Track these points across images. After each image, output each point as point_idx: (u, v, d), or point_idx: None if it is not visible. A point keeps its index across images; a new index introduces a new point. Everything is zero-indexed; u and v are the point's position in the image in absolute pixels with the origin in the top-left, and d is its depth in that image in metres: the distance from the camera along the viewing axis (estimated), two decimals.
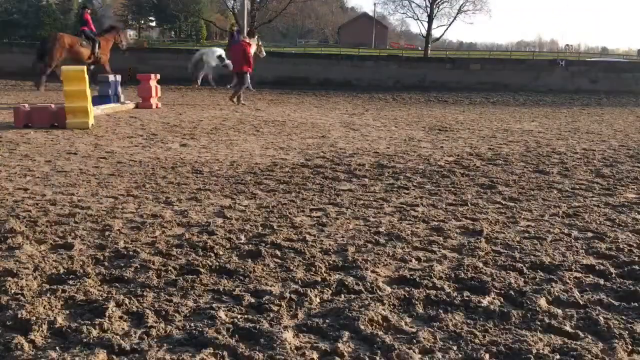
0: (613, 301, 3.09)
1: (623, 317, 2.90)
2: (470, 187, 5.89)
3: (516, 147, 8.77)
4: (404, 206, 5.06)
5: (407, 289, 3.20)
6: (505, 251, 3.89)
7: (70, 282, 3.20)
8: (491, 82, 22.47)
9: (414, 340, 2.61)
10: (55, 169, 6.38)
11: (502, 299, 3.10)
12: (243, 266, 3.49)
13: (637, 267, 3.58)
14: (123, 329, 2.70)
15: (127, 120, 11.07)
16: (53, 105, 10.08)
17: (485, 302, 3.04)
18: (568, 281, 3.36)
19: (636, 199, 5.52)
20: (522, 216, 4.80)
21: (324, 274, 3.40)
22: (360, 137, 9.53)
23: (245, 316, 2.85)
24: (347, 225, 4.42)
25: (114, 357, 2.46)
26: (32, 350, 2.49)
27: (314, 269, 3.48)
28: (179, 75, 21.86)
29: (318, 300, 3.05)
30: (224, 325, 2.72)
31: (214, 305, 2.94)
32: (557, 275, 3.44)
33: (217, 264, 3.52)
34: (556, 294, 3.16)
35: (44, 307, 2.87)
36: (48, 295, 3.02)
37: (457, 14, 55.20)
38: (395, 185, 5.90)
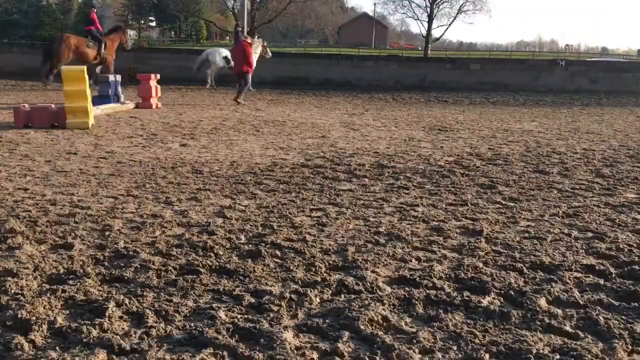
0: (613, 301, 3.10)
1: (623, 317, 2.91)
2: (470, 187, 5.89)
3: (516, 147, 8.77)
4: (404, 206, 5.06)
5: (407, 289, 3.20)
6: (505, 251, 3.89)
7: (70, 282, 3.20)
8: (491, 82, 22.47)
9: (414, 340, 2.62)
10: (55, 169, 6.38)
11: (502, 299, 3.10)
12: (243, 266, 3.49)
13: (637, 267, 3.58)
14: (123, 329, 2.70)
15: (127, 120, 11.07)
16: (53, 105, 10.08)
17: (485, 302, 3.04)
18: (568, 281, 3.36)
19: (636, 199, 5.52)
20: (522, 216, 4.80)
21: (324, 274, 3.40)
22: (360, 137, 9.53)
23: (245, 316, 2.85)
24: (347, 225, 4.42)
25: (114, 357, 2.46)
26: (32, 350, 2.49)
27: (314, 269, 3.48)
28: (179, 75, 21.87)
29: (318, 300, 3.05)
30: (224, 325, 2.72)
31: (214, 305, 2.94)
32: (557, 275, 3.45)
33: (217, 264, 3.52)
34: (556, 294, 3.16)
35: (44, 307, 2.87)
36: (48, 295, 3.02)
37: (457, 14, 55.21)
38: (395, 185, 5.90)
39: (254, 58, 18.37)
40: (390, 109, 14.92)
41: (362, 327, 2.73)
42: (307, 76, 23.03)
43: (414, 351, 2.53)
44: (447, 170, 6.75)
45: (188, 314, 2.85)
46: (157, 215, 4.60)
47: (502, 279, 3.36)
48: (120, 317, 2.80)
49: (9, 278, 3.22)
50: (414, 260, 3.69)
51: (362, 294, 3.14)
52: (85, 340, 2.56)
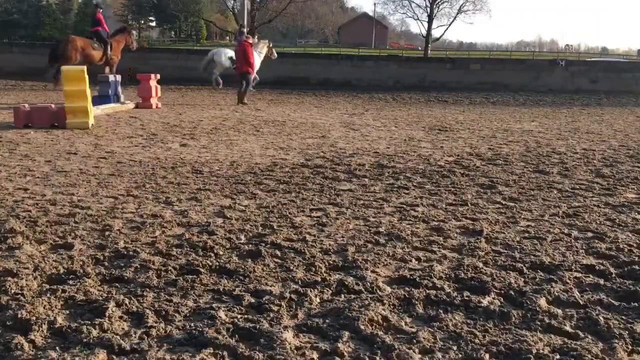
0: (613, 301, 3.10)
1: (623, 317, 2.91)
2: (470, 187, 5.89)
3: (516, 147, 8.77)
4: (404, 206, 5.06)
5: (407, 289, 3.20)
6: (505, 251, 3.89)
7: (70, 282, 3.20)
8: (491, 82, 22.47)
9: (414, 340, 2.62)
10: (55, 169, 6.38)
11: (502, 299, 3.10)
12: (243, 266, 3.49)
13: (637, 267, 3.58)
14: (123, 329, 2.70)
15: (127, 120, 11.07)
16: (53, 105, 10.09)
17: (485, 302, 3.04)
18: (568, 281, 3.36)
19: (636, 199, 5.52)
20: (522, 216, 4.80)
21: (324, 274, 3.40)
22: (360, 137, 9.53)
23: (245, 316, 2.85)
24: (347, 225, 4.42)
25: (114, 357, 2.46)
26: (32, 350, 2.49)
27: (314, 269, 3.48)
28: (179, 75, 21.90)
29: (318, 300, 3.05)
30: (224, 325, 2.72)
31: (214, 305, 2.94)
32: (557, 275, 3.45)
33: (217, 264, 3.52)
34: (556, 294, 3.16)
35: (44, 307, 2.87)
36: (48, 295, 3.02)
37: (457, 14, 55.21)
38: (395, 185, 5.90)
39: (259, 58, 18.39)
40: (390, 109, 14.92)
41: (362, 327, 2.73)
42: (307, 76, 23.03)
43: (414, 351, 2.53)
44: (447, 170, 6.75)
45: (188, 314, 2.85)
46: (157, 215, 4.60)
47: (502, 279, 3.36)
48: (120, 317, 2.80)
49: (9, 278, 3.22)
50: (414, 260, 3.69)
51: (362, 294, 3.14)
52: (85, 340, 2.56)
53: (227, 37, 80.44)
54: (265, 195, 5.37)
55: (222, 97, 16.71)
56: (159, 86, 13.67)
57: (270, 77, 21.71)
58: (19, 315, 2.75)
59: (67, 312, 2.86)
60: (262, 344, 2.58)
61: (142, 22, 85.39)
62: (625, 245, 4.03)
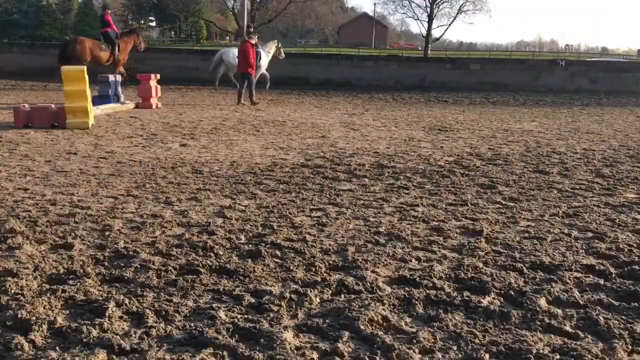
0: (613, 301, 3.09)
1: (623, 317, 2.91)
2: (470, 187, 5.89)
3: (516, 147, 8.77)
4: (404, 206, 5.06)
5: (407, 289, 3.20)
6: (505, 251, 3.89)
7: (70, 282, 3.20)
8: (491, 82, 22.47)
9: (414, 340, 2.61)
10: (55, 169, 6.38)
11: (502, 299, 3.10)
12: (243, 266, 3.49)
13: (637, 267, 3.58)
14: (123, 329, 2.70)
15: (127, 120, 11.07)
16: (53, 105, 10.09)
17: (485, 302, 3.04)
18: (568, 281, 3.36)
19: (636, 199, 5.52)
20: (522, 216, 4.80)
21: (324, 274, 3.40)
22: (360, 137, 9.53)
23: (245, 316, 2.85)
24: (347, 225, 4.42)
25: (114, 357, 2.46)
26: (32, 350, 2.49)
27: (314, 269, 3.48)
28: (179, 75, 21.91)
29: (318, 300, 3.05)
30: (224, 325, 2.72)
31: (214, 305, 2.94)
32: (557, 275, 3.45)
33: (217, 264, 3.52)
34: (556, 294, 3.16)
35: (44, 307, 2.87)
36: (48, 295, 3.02)
37: (457, 14, 55.22)
38: (395, 185, 5.90)
39: (267, 58, 18.41)
40: (390, 109, 14.92)
41: (362, 327, 2.73)
42: (307, 76, 23.03)
43: (414, 351, 2.53)
44: (447, 170, 6.75)
45: (188, 314, 2.85)
46: (157, 215, 4.60)
47: (502, 279, 3.36)
48: (120, 317, 2.80)
49: (9, 278, 3.22)
50: (414, 260, 3.69)
51: (362, 294, 3.14)
52: (85, 340, 2.56)
53: (227, 37, 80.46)
54: (265, 195, 5.37)
55: (222, 97, 16.71)
56: (159, 86, 13.67)
57: (271, 77, 21.72)
58: (19, 315, 2.75)
59: (67, 312, 2.86)
60: (262, 344, 2.58)
61: (142, 22, 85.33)
62: (625, 245, 4.03)
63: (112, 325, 2.70)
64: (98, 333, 2.62)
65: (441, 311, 2.93)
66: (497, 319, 2.86)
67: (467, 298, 3.07)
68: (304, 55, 28.78)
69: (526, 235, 4.27)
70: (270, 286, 3.20)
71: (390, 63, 24.17)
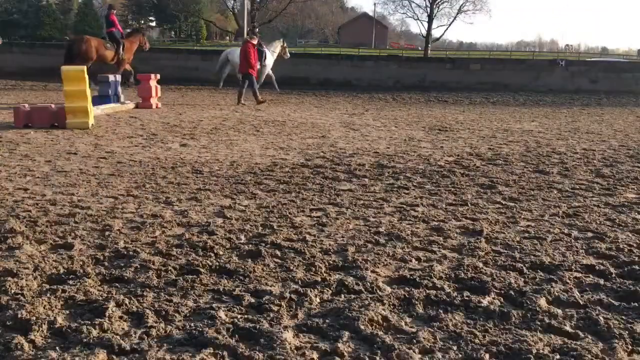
0: (613, 301, 3.09)
1: (623, 317, 2.91)
2: (470, 187, 5.89)
3: (516, 147, 8.77)
4: (404, 206, 5.06)
5: (407, 289, 3.20)
6: (505, 251, 3.89)
7: (70, 282, 3.20)
8: (491, 82, 22.47)
9: (414, 340, 2.62)
10: (55, 169, 6.38)
11: (502, 299, 3.10)
12: (243, 266, 3.49)
13: (637, 267, 3.58)
14: (123, 329, 2.70)
15: (127, 120, 11.07)
16: (53, 105, 10.09)
17: (485, 302, 3.04)
18: (568, 281, 3.36)
19: (636, 199, 5.52)
20: (522, 216, 4.80)
21: (324, 274, 3.40)
22: (360, 137, 9.54)
23: (245, 316, 2.85)
24: (347, 225, 4.42)
25: (114, 357, 2.46)
26: (32, 350, 2.49)
27: (314, 269, 3.48)
28: (179, 75, 21.91)
29: (318, 300, 3.05)
30: (224, 325, 2.72)
31: (214, 305, 2.94)
32: (557, 275, 3.45)
33: (217, 264, 3.52)
34: (556, 294, 3.16)
35: (44, 307, 2.87)
36: (48, 295, 3.02)
37: (457, 14, 55.26)
38: (395, 185, 5.90)
39: (272, 58, 18.42)
40: (390, 109, 14.92)
41: (362, 327, 2.73)
42: (307, 76, 23.03)
43: (414, 351, 2.53)
44: (447, 170, 6.75)
45: (188, 314, 2.85)
46: (157, 215, 4.60)
47: (502, 279, 3.36)
48: (120, 317, 2.80)
49: (9, 278, 3.22)
50: (414, 260, 3.69)
51: (362, 294, 3.14)
52: (85, 340, 2.56)
53: (227, 37, 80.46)
54: (265, 195, 5.37)
55: (222, 97, 16.71)
56: (159, 86, 13.67)
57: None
58: (19, 315, 2.75)
59: (67, 312, 2.86)
60: (262, 344, 2.58)
61: (142, 22, 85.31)
62: (625, 245, 4.03)
63: (112, 325, 2.70)
64: (98, 333, 2.62)
65: (441, 311, 2.93)
66: (497, 319, 2.86)
67: (467, 298, 3.07)
68: (304, 55, 28.77)
69: (526, 235, 4.27)
70: (270, 286, 3.20)
71: (390, 63, 24.17)
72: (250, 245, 3.88)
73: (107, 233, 4.11)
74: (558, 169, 6.98)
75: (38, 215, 4.51)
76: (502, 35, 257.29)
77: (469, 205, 5.15)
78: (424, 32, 54.15)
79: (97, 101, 11.67)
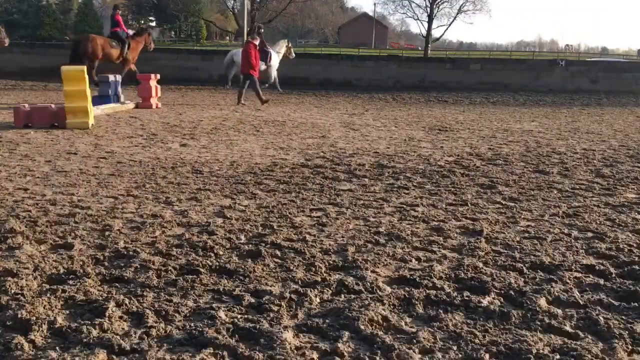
0: (613, 301, 3.10)
1: (623, 317, 2.91)
2: (470, 187, 5.89)
3: (516, 147, 8.77)
4: (404, 206, 5.06)
5: (407, 289, 3.20)
6: (505, 251, 3.89)
7: (70, 282, 3.20)
8: (491, 82, 22.47)
9: (414, 340, 2.61)
10: (55, 169, 6.38)
11: (502, 299, 3.10)
12: (243, 266, 3.49)
13: (637, 267, 3.58)
14: (123, 329, 2.70)
15: (127, 120, 11.07)
16: (53, 105, 10.09)
17: (485, 302, 3.04)
18: (568, 281, 3.36)
19: (636, 199, 5.52)
20: (522, 216, 4.80)
21: (324, 274, 3.40)
22: (360, 137, 9.53)
23: (245, 316, 2.85)
24: (347, 225, 4.42)
25: (114, 357, 2.46)
26: (32, 350, 2.49)
27: (314, 269, 3.48)
28: (179, 75, 21.91)
29: (318, 300, 3.05)
30: (224, 325, 2.72)
31: (214, 305, 2.94)
32: (557, 275, 3.45)
33: (217, 264, 3.52)
34: (556, 294, 3.16)
35: (44, 307, 2.87)
36: (48, 295, 3.02)
37: (457, 14, 55.24)
38: (395, 185, 5.90)
39: (277, 58, 18.44)
40: (390, 109, 14.92)
41: (362, 327, 2.73)
42: (307, 76, 23.02)
43: (414, 351, 2.53)
44: (447, 170, 6.75)
45: (188, 314, 2.85)
46: (157, 215, 4.60)
47: (502, 279, 3.36)
48: (120, 317, 2.80)
49: (9, 278, 3.22)
50: (414, 260, 3.69)
51: (362, 294, 3.14)
52: (85, 340, 2.56)
53: (227, 37, 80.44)
54: (265, 195, 5.37)
55: (222, 97, 16.71)
56: (159, 86, 13.67)
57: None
58: (19, 315, 2.75)
59: (67, 312, 2.86)
60: (262, 344, 2.58)
61: (142, 22, 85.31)
62: (625, 245, 4.03)
63: (112, 325, 2.70)
64: (98, 333, 2.62)
65: (441, 311, 2.93)
66: (497, 319, 2.86)
67: (467, 298, 3.07)
68: (304, 55, 28.71)
69: (526, 235, 4.27)
70: (270, 286, 3.20)
71: (390, 63, 24.17)
72: (250, 245, 3.88)
73: (107, 233, 4.11)
74: (558, 169, 6.98)
75: (38, 215, 4.51)
76: (502, 35, 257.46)
77: (469, 205, 5.15)
78: (424, 32, 54.17)
79: (97, 101, 11.67)
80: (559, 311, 2.95)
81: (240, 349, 2.51)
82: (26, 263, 3.48)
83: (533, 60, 33.47)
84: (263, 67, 18.02)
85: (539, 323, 2.82)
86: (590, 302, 3.07)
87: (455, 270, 3.50)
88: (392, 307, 2.98)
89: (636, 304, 3.05)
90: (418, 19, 56.85)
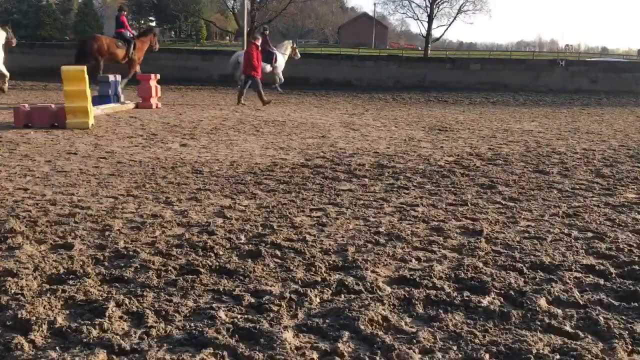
0: (613, 301, 3.10)
1: (623, 317, 2.91)
2: (470, 187, 5.89)
3: (516, 147, 8.77)
4: (404, 206, 5.06)
5: (407, 289, 3.20)
6: (505, 251, 3.89)
7: (70, 282, 3.20)
8: (491, 82, 22.47)
9: (414, 340, 2.61)
10: (55, 169, 6.38)
11: (502, 299, 3.10)
12: (243, 266, 3.49)
13: (637, 267, 3.58)
14: (123, 329, 2.70)
15: (127, 120, 11.07)
16: (53, 105, 10.09)
17: (485, 302, 3.04)
18: (568, 281, 3.36)
19: (636, 199, 5.52)
20: (522, 216, 4.80)
21: (324, 274, 3.40)
22: (360, 137, 9.53)
23: (245, 316, 2.85)
24: (347, 225, 4.42)
25: (114, 357, 2.46)
26: (32, 350, 2.49)
27: (314, 269, 3.48)
28: (179, 75, 21.91)
29: (318, 300, 3.05)
30: (224, 325, 2.72)
31: (214, 305, 2.94)
32: (557, 275, 3.45)
33: (217, 264, 3.52)
34: (556, 294, 3.16)
35: (44, 307, 2.87)
36: (48, 295, 3.02)
37: (457, 14, 55.23)
38: (395, 185, 5.90)
39: (283, 59, 18.47)
40: (390, 109, 14.92)
41: (362, 327, 2.73)
42: (307, 76, 23.01)
43: (414, 351, 2.53)
44: (447, 170, 6.75)
45: (188, 314, 2.85)
46: (157, 215, 4.60)
47: (502, 279, 3.36)
48: (120, 317, 2.80)
49: (9, 278, 3.22)
50: (414, 260, 3.69)
51: (362, 294, 3.14)
52: (85, 340, 2.56)
53: (227, 37, 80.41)
54: (265, 195, 5.37)
55: (222, 97, 16.72)
56: (159, 86, 13.67)
57: (271, 77, 21.72)
58: (19, 315, 2.75)
59: (67, 312, 2.86)
60: (262, 344, 2.58)
61: (142, 22, 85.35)
62: (625, 245, 4.03)
63: (112, 325, 2.70)
64: (98, 333, 2.62)
65: (441, 311, 2.93)
66: (497, 319, 2.86)
67: (467, 298, 3.07)
68: (304, 55, 28.69)
69: (526, 235, 4.27)
70: (270, 286, 3.20)
71: (390, 63, 24.18)
72: (250, 245, 3.88)
73: (107, 233, 4.11)
74: (558, 169, 6.98)
75: (38, 215, 4.51)
76: (502, 35, 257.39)
77: (469, 205, 5.15)
78: (424, 32, 54.17)
79: (97, 101, 11.67)
80: (559, 311, 2.95)
81: (240, 349, 2.51)
82: (26, 263, 3.48)
83: (533, 60, 33.48)
84: (269, 68, 18.06)
85: (539, 323, 2.82)
86: (590, 302, 3.07)
87: (455, 270, 3.50)
88: (392, 307, 2.98)
89: (636, 304, 3.05)
90: (418, 19, 56.90)
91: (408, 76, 23.06)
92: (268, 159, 7.28)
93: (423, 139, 9.50)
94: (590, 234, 4.32)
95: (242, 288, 3.17)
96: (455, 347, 2.57)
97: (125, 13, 17.88)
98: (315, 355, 2.49)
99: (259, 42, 15.08)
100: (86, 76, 9.94)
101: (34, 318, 2.74)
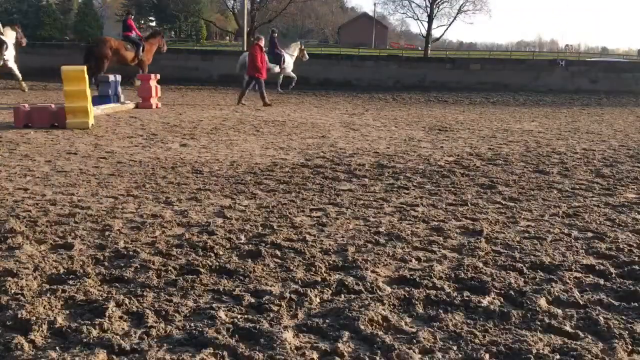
0: (613, 301, 3.10)
1: (623, 317, 2.91)
2: (470, 187, 5.89)
3: (516, 147, 8.77)
4: (404, 206, 5.06)
5: (407, 289, 3.20)
6: (505, 251, 3.89)
7: (70, 282, 3.20)
8: (491, 82, 22.47)
9: (414, 340, 2.62)
10: (55, 169, 6.38)
11: (502, 299, 3.10)
12: (243, 266, 3.49)
13: (637, 267, 3.58)
14: (123, 329, 2.70)
15: (127, 120, 11.07)
16: (53, 105, 10.09)
17: (485, 302, 3.04)
18: (568, 281, 3.36)
19: (636, 199, 5.52)
20: (522, 216, 4.80)
21: (324, 274, 3.40)
22: (360, 137, 9.53)
23: (245, 316, 2.85)
24: (347, 225, 4.42)
25: (114, 357, 2.46)
26: (32, 350, 2.49)
27: (314, 269, 3.48)
28: (179, 75, 21.92)
29: (318, 300, 3.05)
30: (224, 325, 2.72)
31: (214, 305, 2.94)
32: (557, 275, 3.45)
33: (217, 264, 3.52)
34: (556, 294, 3.16)
35: (44, 307, 2.87)
36: (48, 295, 3.02)
37: (457, 14, 55.21)
38: (395, 185, 5.90)
39: (291, 60, 18.48)
40: (390, 109, 14.92)
41: (362, 327, 2.73)
42: (307, 76, 22.95)
43: (414, 351, 2.53)
44: (447, 170, 6.75)
45: (188, 314, 2.85)
46: (157, 215, 4.60)
47: (502, 279, 3.36)
48: (120, 317, 2.80)
49: (9, 278, 3.22)
50: (414, 260, 3.69)
51: (362, 294, 3.14)
52: (85, 340, 2.56)
53: (227, 37, 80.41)
54: (265, 195, 5.37)
55: (222, 97, 16.72)
56: (159, 86, 13.67)
57: (271, 77, 21.71)
58: (19, 315, 2.75)
59: (67, 312, 2.86)
60: (262, 344, 2.58)
61: (142, 22, 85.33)
62: (625, 245, 4.03)
63: (112, 325, 2.71)
64: (98, 333, 2.62)
65: (441, 311, 2.93)
66: (497, 319, 2.86)
67: (467, 298, 3.07)
68: None
69: (526, 235, 4.27)
70: (270, 286, 3.20)
71: (390, 63, 24.18)
72: (250, 245, 3.88)
73: (107, 233, 4.11)
74: (558, 169, 6.98)
75: (38, 215, 4.51)
76: (502, 35, 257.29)
77: (469, 205, 5.15)
78: (424, 32, 54.17)
79: (97, 101, 11.67)
80: (559, 311, 2.95)
81: (240, 349, 2.51)
82: (26, 263, 3.48)
83: (533, 60, 33.47)
84: (277, 69, 18.08)
85: (539, 323, 2.82)
86: (590, 302, 3.07)
87: (455, 270, 3.50)
88: (392, 307, 2.98)
89: (636, 304, 3.05)
90: (418, 19, 56.88)
91: (408, 76, 23.06)
92: (268, 159, 7.28)
93: (423, 139, 9.50)
94: (590, 234, 4.32)
95: (242, 288, 3.17)
96: (455, 347, 2.57)
97: (132, 17, 18.10)
98: (315, 355, 2.50)
99: (262, 43, 15.04)
100: (86, 76, 9.94)
101: (34, 318, 2.74)
